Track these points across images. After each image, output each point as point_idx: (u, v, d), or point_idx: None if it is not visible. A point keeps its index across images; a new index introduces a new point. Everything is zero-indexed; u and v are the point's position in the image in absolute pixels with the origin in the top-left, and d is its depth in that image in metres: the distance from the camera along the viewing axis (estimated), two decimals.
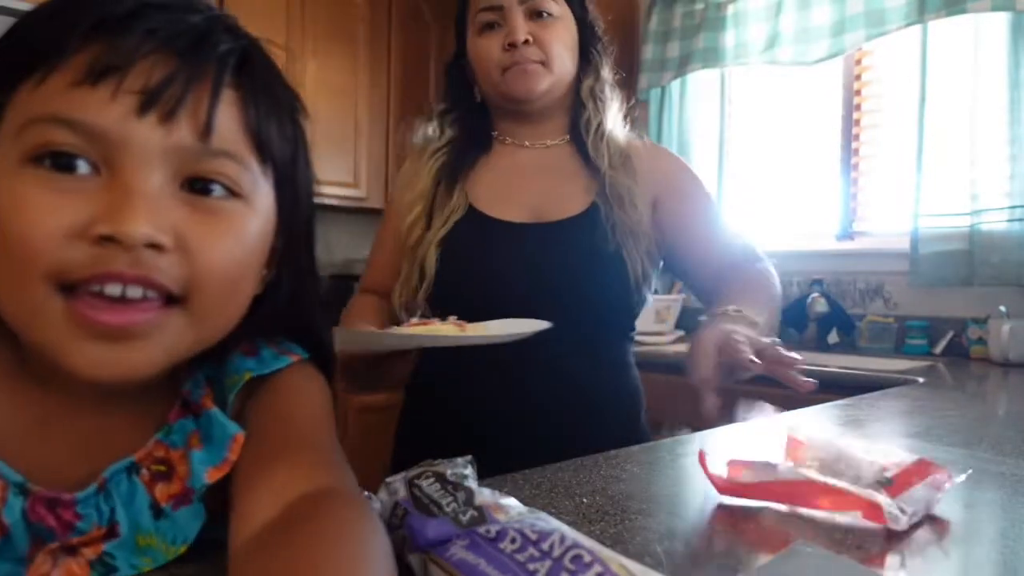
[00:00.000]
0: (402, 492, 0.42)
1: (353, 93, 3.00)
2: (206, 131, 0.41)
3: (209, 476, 0.45)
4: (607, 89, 1.07)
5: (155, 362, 0.42)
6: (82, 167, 0.39)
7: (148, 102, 0.39)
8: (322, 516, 0.37)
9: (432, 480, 0.42)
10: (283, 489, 0.40)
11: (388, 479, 0.43)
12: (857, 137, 2.36)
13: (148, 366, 0.42)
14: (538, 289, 0.96)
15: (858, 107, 2.36)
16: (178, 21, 0.41)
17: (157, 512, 0.46)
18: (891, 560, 0.48)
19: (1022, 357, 1.77)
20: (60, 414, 0.46)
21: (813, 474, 0.57)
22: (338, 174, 2.90)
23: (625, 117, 1.10)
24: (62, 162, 0.39)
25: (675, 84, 2.63)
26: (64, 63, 0.39)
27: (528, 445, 0.80)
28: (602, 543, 0.37)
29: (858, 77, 2.37)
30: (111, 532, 0.46)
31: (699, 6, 2.55)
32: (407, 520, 0.40)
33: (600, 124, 1.04)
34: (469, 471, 0.44)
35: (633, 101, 1.16)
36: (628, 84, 2.73)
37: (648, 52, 2.67)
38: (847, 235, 2.33)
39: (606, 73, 1.07)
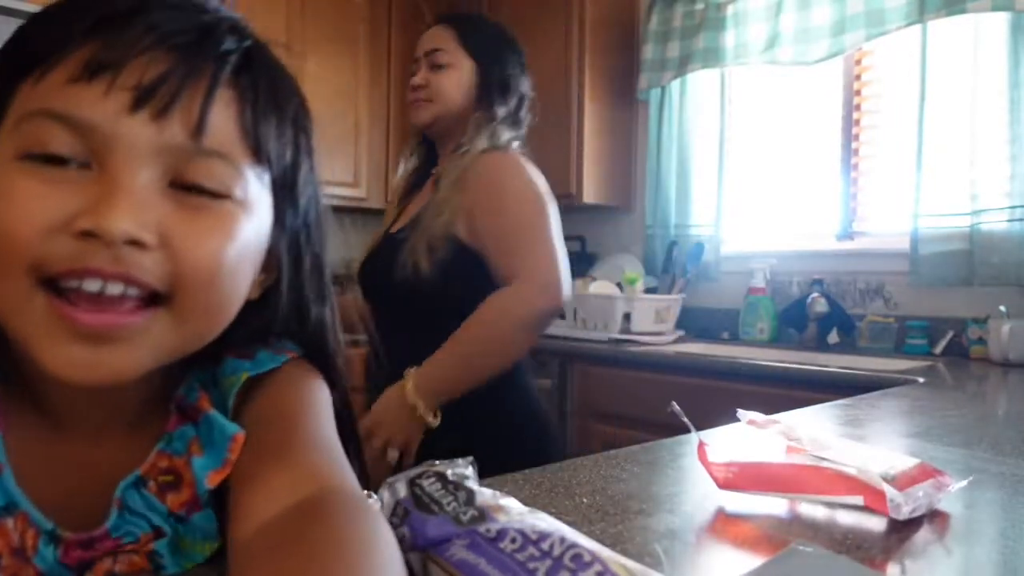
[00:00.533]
0: (403, 491, 0.42)
1: (353, 93, 3.00)
2: (198, 130, 0.40)
3: (210, 480, 0.44)
4: (495, 123, 1.28)
5: (139, 365, 0.41)
6: (73, 162, 0.39)
7: (141, 99, 0.39)
8: (330, 519, 0.36)
9: (433, 480, 0.42)
10: (286, 489, 0.39)
11: (390, 479, 0.44)
12: (857, 137, 2.36)
13: (131, 369, 0.41)
14: (367, 285, 1.31)
15: (858, 107, 2.36)
16: (181, 19, 0.41)
17: (177, 518, 0.47)
18: (891, 560, 0.48)
19: (1022, 357, 1.77)
20: (60, 445, 0.46)
21: (816, 461, 0.58)
22: (338, 174, 2.91)
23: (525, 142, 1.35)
24: (54, 156, 0.38)
25: (675, 84, 2.63)
26: (64, 60, 0.39)
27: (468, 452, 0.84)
28: (602, 543, 0.37)
29: (858, 77, 2.37)
30: (158, 533, 0.46)
31: (699, 6, 2.55)
32: (408, 519, 0.40)
33: (467, 147, 1.25)
34: (470, 471, 0.44)
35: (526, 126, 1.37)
36: (628, 84, 2.75)
37: (648, 52, 2.67)
38: (847, 235, 2.33)
39: (500, 111, 1.30)
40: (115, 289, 0.39)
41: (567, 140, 2.67)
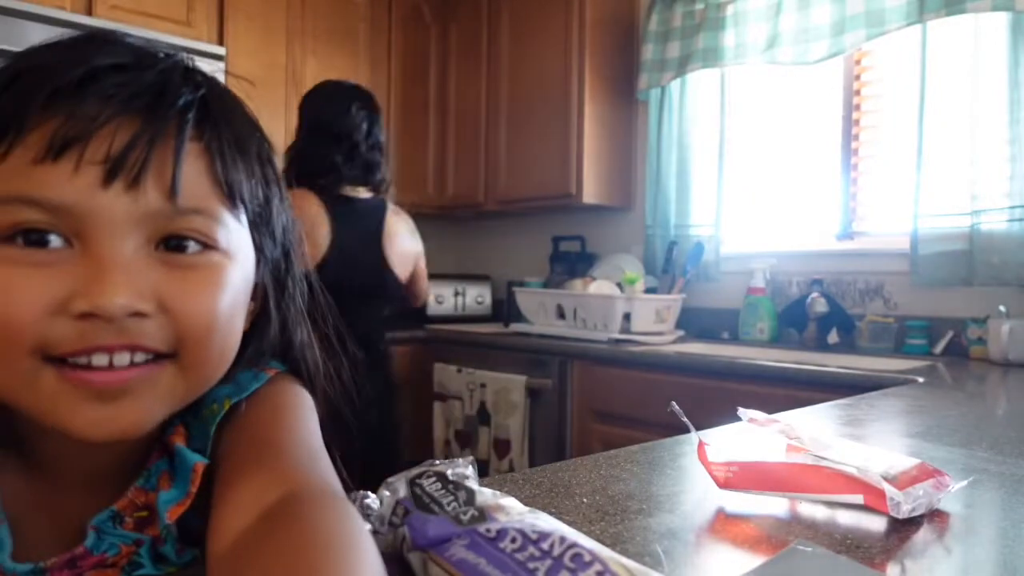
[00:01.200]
0: (403, 491, 0.42)
1: None
2: (172, 192, 0.40)
3: (170, 514, 0.44)
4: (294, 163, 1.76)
5: (152, 415, 0.42)
6: (55, 241, 0.38)
7: (112, 171, 0.38)
8: (301, 516, 0.36)
9: (433, 479, 0.42)
10: (257, 496, 0.39)
11: (389, 479, 0.44)
12: (857, 137, 2.36)
13: (145, 420, 0.42)
14: None
15: (858, 107, 2.36)
16: (132, 80, 0.40)
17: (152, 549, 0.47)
18: (891, 560, 0.48)
19: (1022, 357, 1.77)
20: (47, 494, 0.46)
21: (816, 460, 0.58)
22: None
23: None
24: (33, 238, 0.38)
25: (675, 84, 2.63)
26: (23, 139, 0.38)
27: None
28: (602, 543, 0.37)
29: (858, 77, 2.37)
30: (138, 543, 0.46)
31: (699, 6, 2.55)
32: (408, 519, 0.40)
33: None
34: (470, 471, 0.44)
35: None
36: (628, 84, 2.75)
37: (648, 52, 2.67)
38: (847, 235, 2.33)
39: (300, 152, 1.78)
40: (123, 360, 0.40)
41: (567, 140, 2.67)
